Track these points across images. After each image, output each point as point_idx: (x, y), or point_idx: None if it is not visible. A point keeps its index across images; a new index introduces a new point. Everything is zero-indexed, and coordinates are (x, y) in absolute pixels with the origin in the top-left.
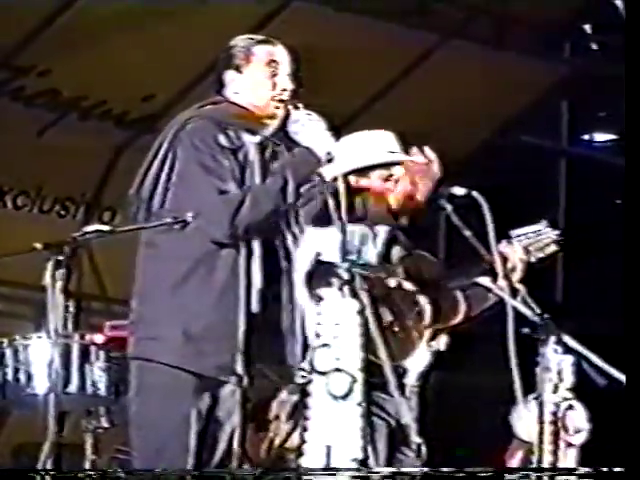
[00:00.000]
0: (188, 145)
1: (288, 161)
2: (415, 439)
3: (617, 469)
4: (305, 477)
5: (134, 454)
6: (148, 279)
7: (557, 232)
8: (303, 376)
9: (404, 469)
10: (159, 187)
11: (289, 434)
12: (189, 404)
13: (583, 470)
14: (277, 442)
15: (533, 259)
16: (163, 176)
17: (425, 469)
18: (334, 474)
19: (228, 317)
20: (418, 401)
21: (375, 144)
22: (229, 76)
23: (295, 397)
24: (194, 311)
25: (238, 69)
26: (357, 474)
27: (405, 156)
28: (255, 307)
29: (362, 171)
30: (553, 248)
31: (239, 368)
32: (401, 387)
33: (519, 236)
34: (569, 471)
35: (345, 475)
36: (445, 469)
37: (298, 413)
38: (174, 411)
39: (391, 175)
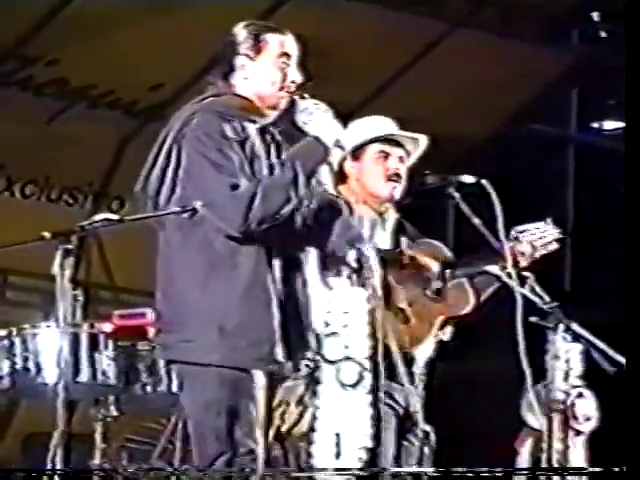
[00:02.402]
0: (194, 140)
1: (297, 151)
2: (424, 427)
3: (619, 468)
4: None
5: (196, 459)
6: (172, 281)
7: (560, 230)
8: (307, 365)
9: (407, 469)
10: (165, 183)
11: (297, 420)
12: (236, 398)
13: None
14: (285, 428)
15: (537, 255)
16: (169, 172)
17: (430, 470)
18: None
19: (259, 309)
20: (425, 389)
21: (370, 125)
22: (240, 61)
23: (302, 385)
24: (225, 308)
25: (249, 56)
26: (363, 473)
27: (399, 130)
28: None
29: (356, 153)
30: (555, 246)
31: (280, 357)
32: (410, 375)
33: (524, 231)
34: (569, 471)
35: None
36: (455, 469)
37: (307, 399)
38: (224, 408)
39: (382, 150)
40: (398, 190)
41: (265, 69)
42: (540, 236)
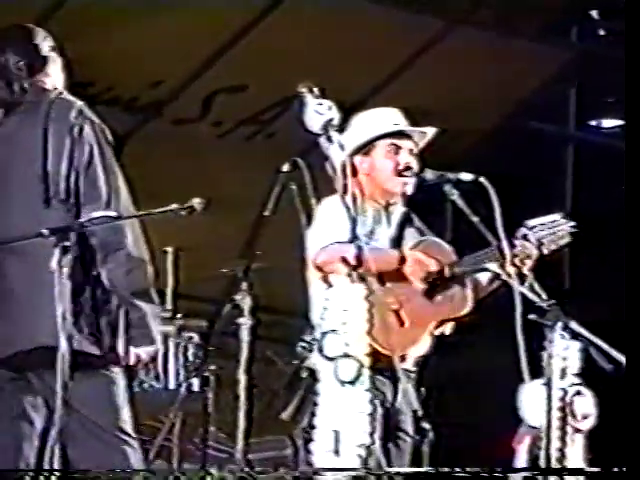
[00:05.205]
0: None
1: None
2: (422, 424)
3: (619, 469)
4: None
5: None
6: None
7: (572, 224)
8: (303, 347)
9: (403, 470)
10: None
11: (285, 405)
12: None
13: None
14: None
15: (546, 251)
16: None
17: (426, 469)
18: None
19: None
20: (422, 386)
21: (379, 119)
22: None
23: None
24: None
25: None
26: (359, 474)
27: (409, 127)
28: None
29: (366, 148)
30: (567, 240)
31: None
32: (403, 373)
33: (534, 227)
34: (570, 472)
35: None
36: (445, 469)
37: (296, 386)
38: None
39: (393, 144)
40: (410, 185)
41: None
42: (552, 231)
